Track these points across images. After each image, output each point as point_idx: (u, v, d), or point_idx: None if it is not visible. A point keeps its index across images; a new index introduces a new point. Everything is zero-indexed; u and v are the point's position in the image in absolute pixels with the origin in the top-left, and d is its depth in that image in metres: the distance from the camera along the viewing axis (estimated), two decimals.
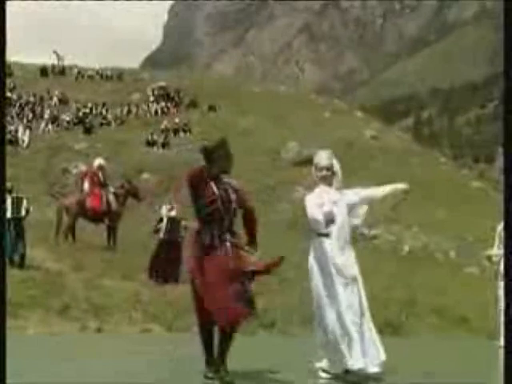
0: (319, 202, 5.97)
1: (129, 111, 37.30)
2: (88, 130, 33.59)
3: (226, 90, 42.33)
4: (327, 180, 6.12)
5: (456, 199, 28.95)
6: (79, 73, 42.73)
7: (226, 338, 5.61)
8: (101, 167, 17.73)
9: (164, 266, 14.14)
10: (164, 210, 15.10)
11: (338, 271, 5.85)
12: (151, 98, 39.14)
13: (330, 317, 5.79)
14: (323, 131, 34.86)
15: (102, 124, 35.14)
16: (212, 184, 5.72)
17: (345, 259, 5.94)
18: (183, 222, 14.77)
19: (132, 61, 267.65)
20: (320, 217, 5.86)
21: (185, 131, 34.88)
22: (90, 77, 42.37)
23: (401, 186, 6.29)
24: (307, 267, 6.00)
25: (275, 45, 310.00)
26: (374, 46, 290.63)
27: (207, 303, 5.47)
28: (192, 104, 39.15)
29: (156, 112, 37.76)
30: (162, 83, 40.47)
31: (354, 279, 5.90)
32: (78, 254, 14.86)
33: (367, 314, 5.92)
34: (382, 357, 5.80)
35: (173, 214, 14.95)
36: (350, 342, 5.70)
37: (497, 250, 9.84)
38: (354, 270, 5.94)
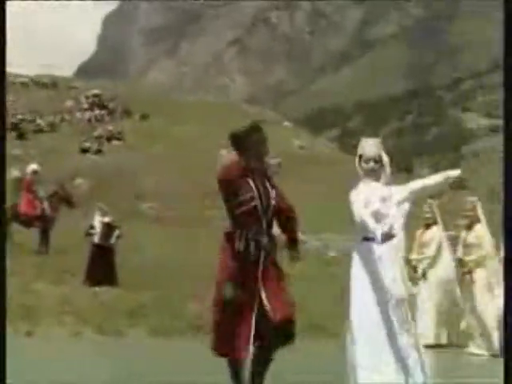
0: (365, 199, 5.03)
1: (62, 118, 37.52)
2: (22, 136, 33.71)
3: (159, 99, 42.84)
4: (375, 174, 5.15)
5: None
6: (13, 80, 42.59)
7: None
8: (35, 172, 17.94)
9: (99, 270, 14.55)
10: (97, 216, 15.51)
11: (385, 289, 4.90)
12: (85, 106, 39.42)
13: (383, 338, 4.84)
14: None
15: (35, 131, 35.26)
16: (247, 178, 4.77)
17: (393, 274, 4.96)
18: (117, 231, 15.23)
19: (66, 68, 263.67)
20: (370, 219, 4.85)
21: (118, 139, 35.36)
22: (24, 84, 42.32)
23: (452, 172, 5.25)
24: None
25: (207, 56, 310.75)
26: (301, 59, 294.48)
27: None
28: (125, 112, 39.60)
29: (89, 119, 38.10)
30: (96, 91, 40.76)
31: (403, 300, 4.98)
32: (10, 258, 15.04)
33: (415, 337, 5.02)
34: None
35: (106, 219, 15.37)
36: (405, 367, 4.83)
37: (416, 255, 10.37)
38: (401, 289, 4.97)
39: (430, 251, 10.20)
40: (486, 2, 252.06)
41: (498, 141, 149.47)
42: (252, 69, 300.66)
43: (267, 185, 4.82)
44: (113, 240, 14.93)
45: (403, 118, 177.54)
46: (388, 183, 5.15)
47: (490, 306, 8.82)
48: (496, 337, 8.62)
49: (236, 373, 4.76)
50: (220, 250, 4.86)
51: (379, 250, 4.86)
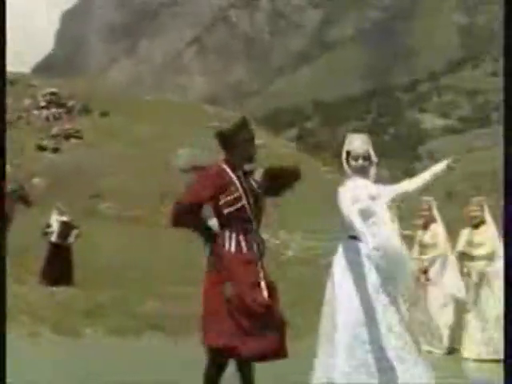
0: (353, 196, 4.75)
1: (19, 116, 37.07)
2: None
3: (118, 98, 42.57)
4: (364, 171, 4.90)
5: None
6: None
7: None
8: None
9: (56, 269, 14.40)
10: (55, 214, 15.33)
11: (371, 289, 4.64)
12: (42, 104, 39.01)
13: (367, 340, 4.57)
14: (213, 139, 35.73)
15: None
16: (234, 178, 4.59)
17: (384, 275, 4.69)
18: (76, 230, 15.08)
19: (23, 65, 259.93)
20: (357, 219, 4.58)
21: (77, 137, 35.08)
22: None
23: (440, 166, 4.91)
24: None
25: (166, 55, 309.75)
26: (261, 59, 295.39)
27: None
28: (84, 110, 39.29)
29: (47, 118, 37.71)
30: (54, 89, 40.35)
31: (393, 301, 4.70)
32: None
33: (410, 337, 4.70)
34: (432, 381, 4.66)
35: (64, 218, 15.19)
36: (391, 371, 4.53)
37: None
38: (393, 289, 4.72)
39: None
40: (442, 4, 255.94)
41: (452, 141, 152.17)
42: (211, 68, 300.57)
43: (254, 184, 4.61)
44: (72, 239, 14.79)
45: (361, 119, 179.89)
46: (375, 181, 4.92)
47: (444, 306, 8.96)
48: (446, 335, 8.75)
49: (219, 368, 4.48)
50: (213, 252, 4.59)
51: (367, 249, 4.53)
